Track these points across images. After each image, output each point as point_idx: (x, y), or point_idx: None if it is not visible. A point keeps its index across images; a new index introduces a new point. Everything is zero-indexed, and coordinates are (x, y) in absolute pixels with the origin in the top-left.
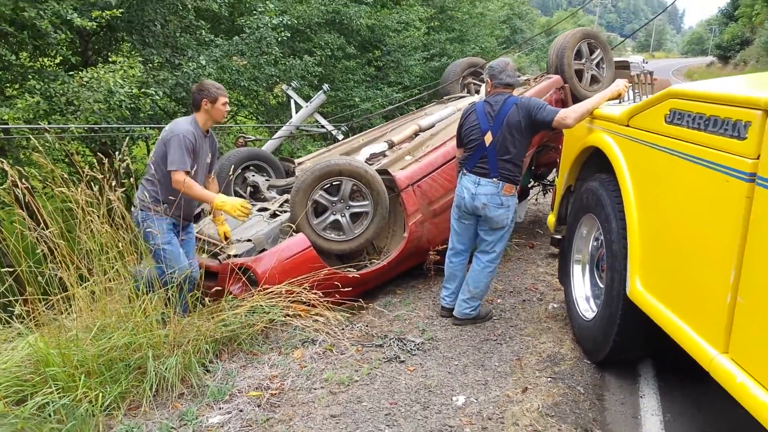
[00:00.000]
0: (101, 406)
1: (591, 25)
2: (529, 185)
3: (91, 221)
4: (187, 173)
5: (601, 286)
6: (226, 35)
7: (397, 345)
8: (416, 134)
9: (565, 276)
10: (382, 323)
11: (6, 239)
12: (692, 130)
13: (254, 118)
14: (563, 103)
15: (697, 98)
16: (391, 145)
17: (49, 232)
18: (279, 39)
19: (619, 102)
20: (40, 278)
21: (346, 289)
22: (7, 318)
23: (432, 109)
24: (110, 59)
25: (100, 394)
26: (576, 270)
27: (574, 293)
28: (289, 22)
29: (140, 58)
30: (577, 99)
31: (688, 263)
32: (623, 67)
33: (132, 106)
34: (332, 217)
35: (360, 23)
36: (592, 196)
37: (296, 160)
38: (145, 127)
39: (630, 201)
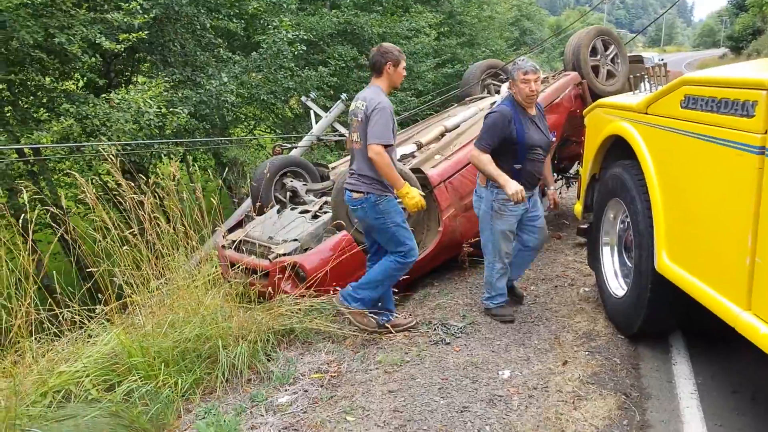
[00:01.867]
0: (180, 391)
1: (599, 22)
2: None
3: (158, 224)
4: (386, 147)
5: (630, 265)
6: (242, 51)
7: (442, 329)
8: (443, 135)
9: (594, 259)
10: (424, 312)
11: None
12: (706, 113)
13: (272, 131)
14: (582, 98)
15: (709, 83)
16: (420, 146)
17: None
18: (295, 53)
19: (634, 93)
20: (115, 279)
21: None
22: (87, 318)
23: (455, 110)
24: (132, 80)
25: (178, 380)
26: (605, 252)
27: (605, 274)
28: (305, 37)
29: (165, 77)
30: (594, 94)
31: (709, 233)
32: (637, 62)
33: (159, 124)
34: None
35: (371, 32)
36: (617, 181)
37: (330, 165)
38: (176, 143)
39: (653, 182)
